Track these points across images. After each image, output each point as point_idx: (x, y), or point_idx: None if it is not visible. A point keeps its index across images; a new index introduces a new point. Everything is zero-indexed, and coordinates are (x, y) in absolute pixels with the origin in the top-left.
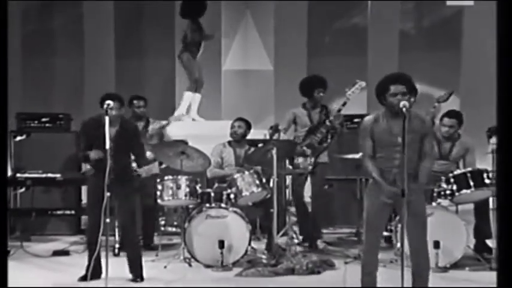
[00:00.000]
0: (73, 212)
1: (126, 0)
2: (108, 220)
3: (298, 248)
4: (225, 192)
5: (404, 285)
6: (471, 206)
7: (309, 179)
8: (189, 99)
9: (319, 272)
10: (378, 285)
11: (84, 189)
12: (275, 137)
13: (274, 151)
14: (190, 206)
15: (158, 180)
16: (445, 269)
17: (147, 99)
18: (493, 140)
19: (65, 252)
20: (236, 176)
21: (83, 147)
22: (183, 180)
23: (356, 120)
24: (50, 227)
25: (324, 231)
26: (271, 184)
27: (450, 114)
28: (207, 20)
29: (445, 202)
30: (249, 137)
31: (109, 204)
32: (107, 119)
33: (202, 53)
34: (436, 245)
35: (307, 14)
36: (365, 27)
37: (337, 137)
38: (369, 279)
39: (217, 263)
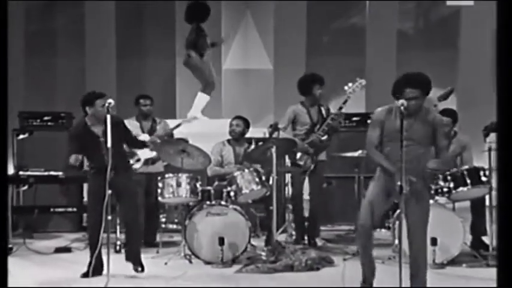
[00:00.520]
0: (75, 209)
1: (127, 0)
2: (109, 217)
3: (298, 245)
4: (225, 190)
5: (403, 282)
6: (468, 204)
7: (307, 177)
8: (202, 101)
9: (318, 269)
10: (376, 283)
11: (85, 186)
12: (274, 135)
13: (273, 149)
14: (191, 204)
15: (159, 178)
16: (442, 266)
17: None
18: (490, 138)
19: (67, 249)
20: (236, 173)
21: (70, 152)
22: (183, 178)
23: (355, 118)
24: (52, 224)
25: (323, 228)
26: (270, 182)
27: (445, 112)
28: (207, 20)
29: (442, 199)
30: (248, 135)
31: (110, 202)
32: (108, 117)
33: None
34: (433, 241)
35: (307, 14)
36: (363, 27)
37: (332, 134)
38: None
39: (217, 259)
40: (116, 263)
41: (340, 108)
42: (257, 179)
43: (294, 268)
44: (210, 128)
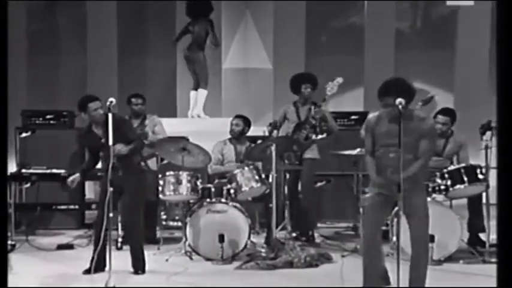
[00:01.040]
0: (77, 206)
1: (129, 0)
2: (111, 214)
3: (297, 242)
4: (225, 188)
5: (401, 278)
6: (465, 201)
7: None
8: (204, 97)
9: (317, 265)
10: None
11: (87, 184)
12: (274, 133)
13: (273, 147)
14: (191, 201)
15: (160, 175)
16: (439, 262)
17: (147, 98)
18: (486, 136)
19: (69, 246)
20: (236, 171)
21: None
22: (184, 175)
23: (353, 117)
24: (55, 221)
25: (322, 225)
26: (270, 179)
27: (444, 111)
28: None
29: (439, 197)
30: (248, 133)
31: (112, 200)
32: (110, 116)
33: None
34: (431, 238)
35: (306, 14)
36: (362, 26)
37: (331, 133)
38: (371, 275)
39: (217, 256)
40: (118, 259)
41: (319, 106)
42: (257, 177)
43: (294, 265)
44: (210, 126)
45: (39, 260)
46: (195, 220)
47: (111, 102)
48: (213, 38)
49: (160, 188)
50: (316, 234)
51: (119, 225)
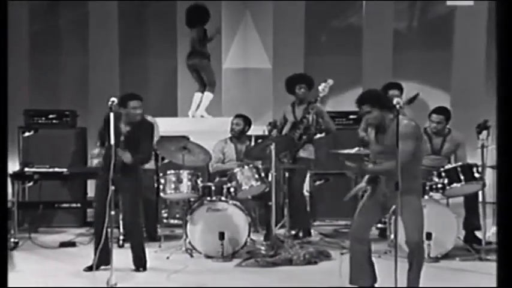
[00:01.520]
0: (79, 205)
1: (130, 0)
2: (113, 213)
3: (296, 240)
4: (225, 186)
5: (398, 275)
6: (461, 199)
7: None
8: (208, 100)
9: (315, 263)
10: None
11: (89, 183)
12: (273, 132)
13: (272, 146)
14: (192, 199)
15: (161, 174)
16: (436, 259)
17: (148, 97)
18: (482, 135)
19: (71, 244)
20: (236, 170)
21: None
22: (184, 174)
23: (351, 116)
24: (57, 219)
25: (320, 223)
26: (269, 178)
27: (438, 110)
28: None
29: (436, 195)
30: (248, 132)
31: (114, 198)
32: (111, 115)
33: None
34: (428, 236)
35: (305, 14)
36: (360, 26)
37: (328, 133)
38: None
39: (217, 253)
40: (119, 256)
41: (310, 102)
42: (256, 176)
43: (293, 262)
44: (210, 125)
45: (41, 258)
46: (196, 218)
47: (113, 101)
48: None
49: (161, 187)
50: (315, 232)
51: (121, 223)
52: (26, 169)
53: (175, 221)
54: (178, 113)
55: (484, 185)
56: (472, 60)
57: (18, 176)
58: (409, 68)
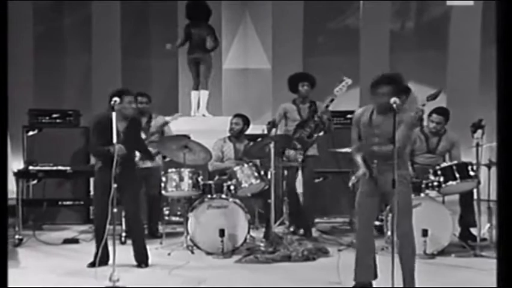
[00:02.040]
0: (82, 202)
1: (133, 0)
2: (115, 210)
3: (295, 237)
4: (225, 184)
5: (395, 272)
6: (457, 197)
7: (299, 171)
8: (206, 97)
9: (314, 259)
10: None
11: (92, 181)
12: (272, 131)
13: (271, 145)
14: (193, 197)
15: (162, 172)
16: (432, 256)
17: (151, 96)
18: (477, 134)
19: (74, 240)
20: (236, 168)
21: (95, 142)
22: (186, 172)
23: (348, 116)
24: (61, 216)
25: (319, 220)
26: (269, 176)
27: (438, 111)
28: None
29: (432, 193)
30: (248, 131)
31: (115, 195)
32: (113, 114)
33: None
34: (424, 233)
35: (303, 14)
36: (357, 27)
37: (328, 132)
38: (362, 268)
39: (218, 250)
40: (121, 253)
41: (327, 106)
42: (256, 174)
43: (292, 258)
44: (210, 125)
45: (45, 254)
46: (196, 215)
47: (115, 101)
48: (213, 42)
49: (162, 185)
50: (313, 229)
51: (123, 220)
52: (30, 167)
53: (177, 218)
54: (180, 113)
55: (478, 183)
56: (467, 60)
57: (23, 174)
58: (405, 67)
